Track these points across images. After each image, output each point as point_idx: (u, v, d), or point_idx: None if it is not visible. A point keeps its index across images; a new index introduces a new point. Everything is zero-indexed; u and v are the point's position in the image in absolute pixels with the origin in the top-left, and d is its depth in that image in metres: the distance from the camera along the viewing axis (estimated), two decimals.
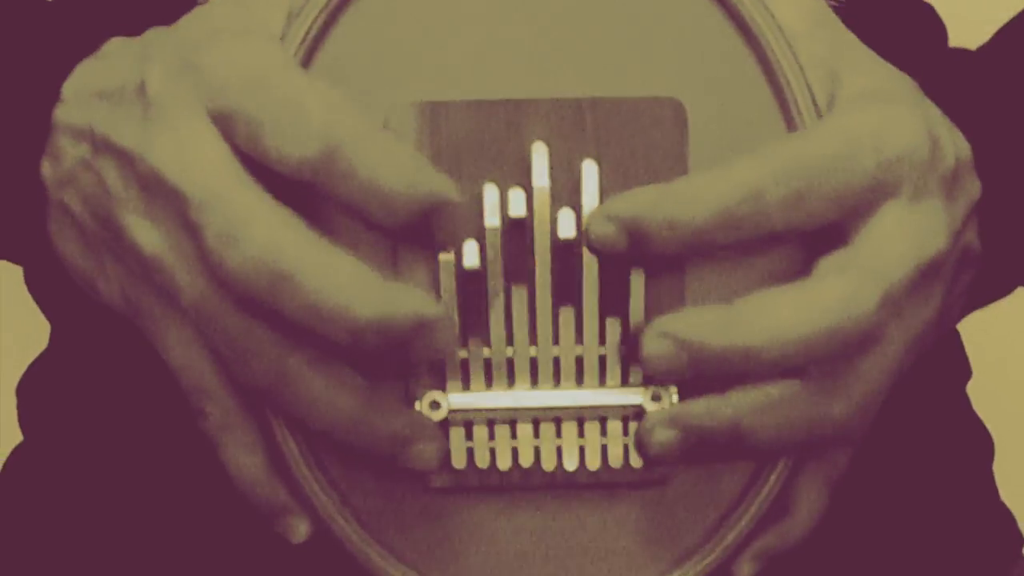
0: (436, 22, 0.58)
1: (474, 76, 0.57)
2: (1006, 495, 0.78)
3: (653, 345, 0.55)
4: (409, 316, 0.53)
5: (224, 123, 0.55)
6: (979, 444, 0.77)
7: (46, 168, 0.60)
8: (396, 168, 0.54)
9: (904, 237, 0.57)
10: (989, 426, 0.78)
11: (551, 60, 0.58)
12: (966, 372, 0.78)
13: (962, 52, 0.76)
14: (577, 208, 0.56)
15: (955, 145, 0.60)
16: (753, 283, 0.57)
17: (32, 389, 0.75)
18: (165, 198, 0.56)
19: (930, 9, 0.78)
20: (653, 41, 0.58)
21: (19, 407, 0.76)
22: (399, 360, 0.55)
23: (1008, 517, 0.77)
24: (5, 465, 0.76)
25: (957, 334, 0.77)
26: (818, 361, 0.56)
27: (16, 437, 0.76)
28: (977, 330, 0.82)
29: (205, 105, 0.55)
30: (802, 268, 0.57)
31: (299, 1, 0.58)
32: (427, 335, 0.53)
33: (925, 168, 0.58)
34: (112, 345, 0.69)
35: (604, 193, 0.56)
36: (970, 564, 0.74)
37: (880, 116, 0.57)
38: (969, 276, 0.62)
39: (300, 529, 0.59)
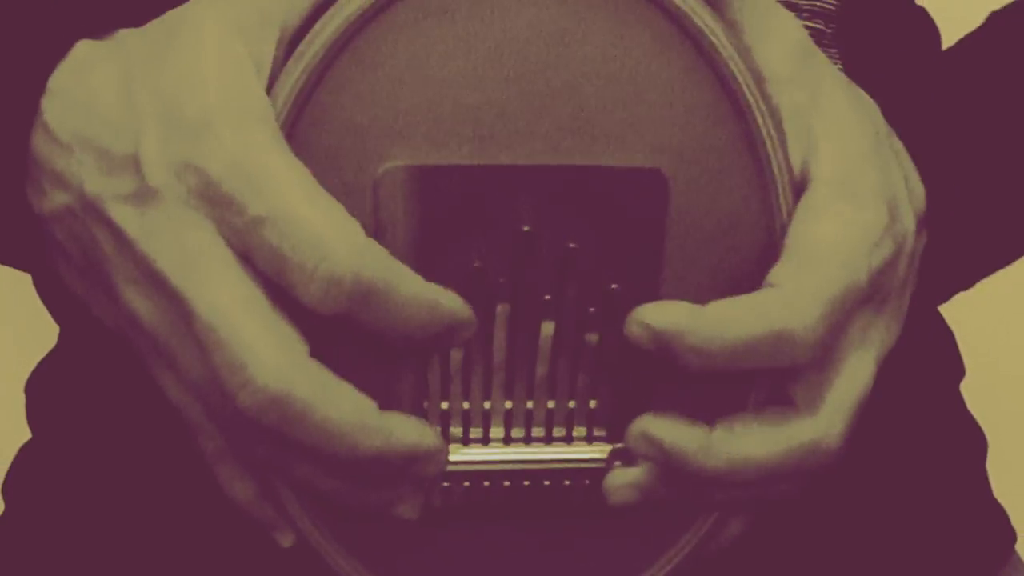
0: (426, 81, 0.57)
1: (466, 137, 0.57)
2: (999, 492, 0.79)
3: (636, 444, 0.58)
4: (406, 448, 0.55)
5: (242, 248, 0.54)
6: (972, 442, 0.78)
7: (31, 195, 0.59)
8: (423, 304, 0.55)
9: (869, 352, 0.60)
10: (983, 424, 0.79)
11: (541, 123, 0.58)
12: (960, 371, 0.78)
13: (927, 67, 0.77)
14: (560, 287, 0.57)
15: (913, 207, 0.61)
16: (724, 384, 0.59)
17: (40, 388, 0.75)
18: (168, 298, 0.55)
19: (923, 11, 0.78)
20: (638, 105, 0.58)
21: (27, 405, 0.76)
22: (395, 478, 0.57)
23: (1001, 514, 0.78)
24: (14, 461, 0.76)
25: (951, 334, 0.78)
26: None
27: (24, 434, 0.77)
28: (971, 330, 0.83)
29: (212, 216, 0.54)
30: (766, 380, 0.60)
31: (291, 22, 0.57)
32: (421, 463, 0.56)
33: (893, 275, 0.60)
34: (118, 347, 0.68)
35: (583, 263, 0.57)
36: (964, 560, 0.75)
37: (863, 228, 0.58)
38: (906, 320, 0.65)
39: (287, 540, 0.61)
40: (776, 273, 0.58)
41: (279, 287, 0.55)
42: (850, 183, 0.59)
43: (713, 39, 0.57)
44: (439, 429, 0.57)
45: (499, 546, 0.61)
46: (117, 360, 0.69)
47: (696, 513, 0.61)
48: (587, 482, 0.60)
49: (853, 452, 0.66)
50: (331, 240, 0.53)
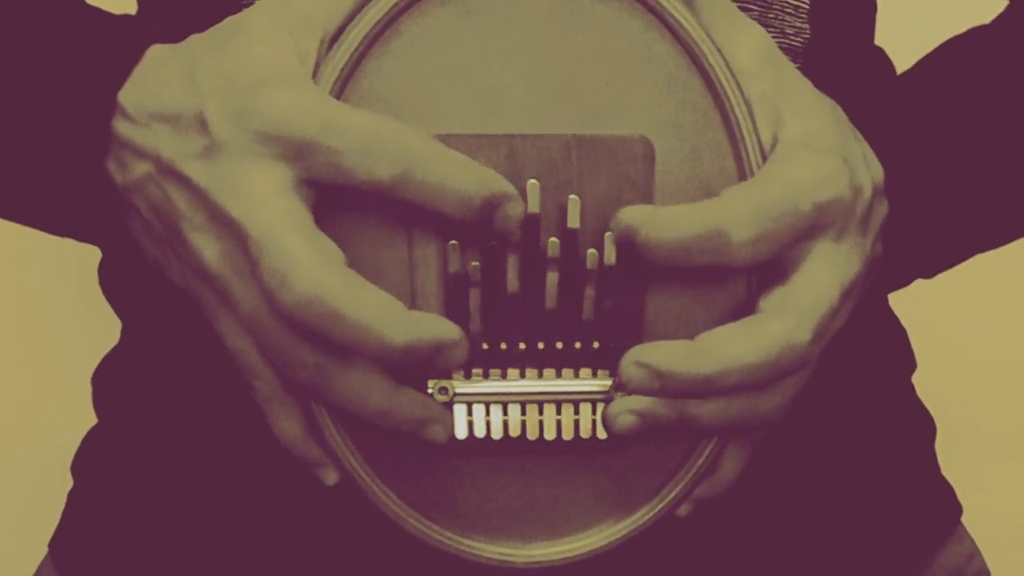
0: (447, 66, 0.60)
1: (480, 112, 0.60)
2: (947, 471, 0.80)
3: (630, 371, 0.59)
4: (432, 340, 0.57)
5: (301, 162, 0.57)
6: (922, 426, 0.79)
7: (113, 170, 0.61)
8: (462, 173, 0.57)
9: (830, 272, 0.61)
10: (932, 411, 0.80)
11: (544, 100, 0.60)
12: (912, 364, 0.79)
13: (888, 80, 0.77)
14: (562, 234, 0.60)
15: (870, 174, 0.63)
16: (705, 309, 0.62)
17: (105, 378, 0.77)
18: (229, 229, 0.58)
19: (880, 51, 0.79)
20: (628, 84, 0.61)
21: (94, 394, 0.77)
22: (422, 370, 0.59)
23: (948, 489, 0.79)
24: (82, 444, 0.77)
25: (904, 332, 0.79)
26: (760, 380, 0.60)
27: (91, 419, 0.78)
28: (922, 328, 0.84)
29: (273, 150, 0.57)
30: (744, 299, 0.62)
31: (331, 25, 0.60)
32: (445, 354, 0.57)
33: (847, 212, 0.61)
34: (174, 341, 0.71)
35: (584, 216, 0.60)
36: (915, 530, 0.76)
37: (815, 167, 0.60)
38: (872, 277, 0.65)
39: (331, 478, 0.62)
40: (726, 190, 0.60)
41: (338, 213, 0.58)
42: (810, 140, 0.61)
43: (689, 28, 0.61)
44: (459, 328, 0.58)
45: (516, 480, 0.63)
46: (172, 354, 0.71)
47: (692, 443, 0.62)
48: (593, 416, 0.61)
49: (813, 435, 0.68)
50: (377, 129, 0.57)
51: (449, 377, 0.61)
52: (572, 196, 0.59)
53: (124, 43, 0.62)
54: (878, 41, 0.79)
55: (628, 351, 0.60)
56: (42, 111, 0.62)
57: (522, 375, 0.61)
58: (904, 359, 0.79)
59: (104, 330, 0.81)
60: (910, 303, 0.80)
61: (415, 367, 0.58)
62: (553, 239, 0.60)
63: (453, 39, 0.60)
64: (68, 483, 0.78)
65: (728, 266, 0.59)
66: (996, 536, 0.87)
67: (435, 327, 0.57)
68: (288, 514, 0.69)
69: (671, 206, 0.59)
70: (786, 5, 0.70)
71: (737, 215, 0.59)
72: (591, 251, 0.60)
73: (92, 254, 0.75)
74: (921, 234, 0.69)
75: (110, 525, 0.74)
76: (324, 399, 0.59)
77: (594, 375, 0.61)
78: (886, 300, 0.78)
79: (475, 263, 0.59)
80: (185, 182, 0.59)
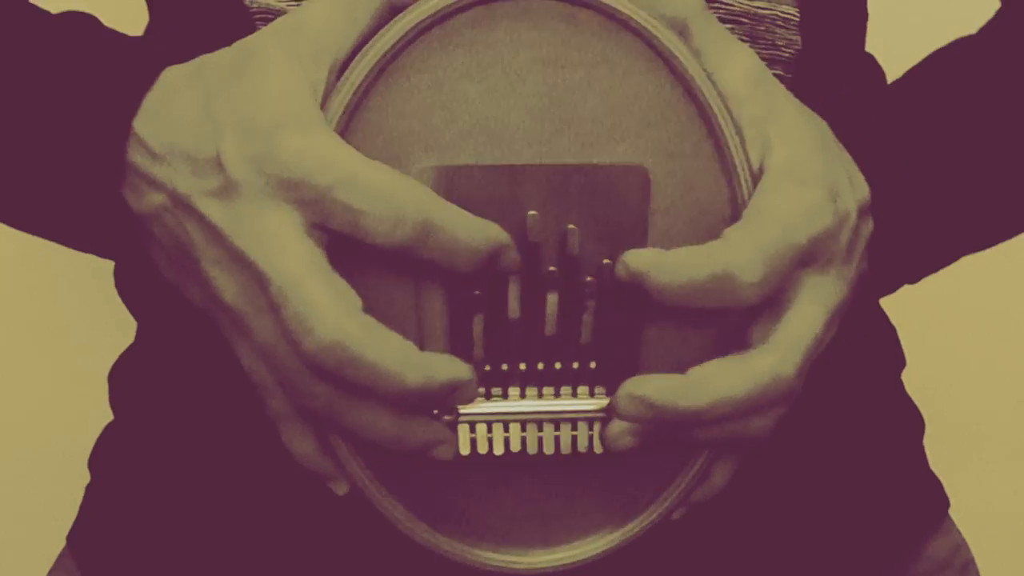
0: (450, 98, 0.60)
1: (483, 143, 0.60)
2: (935, 466, 0.80)
3: (624, 404, 0.60)
4: (445, 382, 0.58)
5: (317, 213, 0.57)
6: (911, 422, 0.79)
7: (129, 198, 0.61)
8: (472, 232, 0.58)
9: (817, 303, 0.62)
10: (921, 408, 0.80)
11: (544, 130, 0.61)
12: (901, 362, 0.80)
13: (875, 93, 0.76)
14: (561, 260, 0.61)
15: (855, 195, 0.64)
16: (700, 333, 0.62)
17: (121, 376, 0.77)
18: (247, 270, 0.58)
19: (871, 58, 0.79)
20: (624, 114, 0.61)
21: (110, 391, 0.77)
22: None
23: (936, 483, 0.79)
24: (99, 439, 0.78)
25: (894, 331, 0.79)
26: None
27: (108, 416, 0.78)
28: (911, 327, 0.84)
29: (289, 196, 0.57)
30: (737, 323, 0.62)
31: (341, 54, 0.60)
32: (458, 393, 0.58)
33: (833, 242, 0.62)
34: (188, 341, 0.71)
35: (583, 243, 0.60)
36: (904, 522, 0.77)
37: (802, 200, 0.61)
38: (857, 294, 0.66)
39: (342, 488, 0.63)
40: (728, 231, 0.60)
41: (346, 246, 0.58)
42: (797, 169, 0.62)
43: (682, 59, 0.61)
44: (470, 366, 0.59)
45: (518, 492, 0.64)
46: (186, 352, 0.71)
47: (685, 457, 0.63)
48: (590, 432, 0.62)
49: (805, 431, 0.69)
50: (397, 189, 0.57)
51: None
52: (571, 225, 0.60)
53: (137, 67, 0.62)
54: (869, 47, 0.80)
55: (622, 384, 0.60)
56: (57, 137, 0.62)
57: (523, 395, 0.62)
58: (893, 357, 0.79)
59: (120, 329, 0.81)
60: (900, 303, 0.79)
61: (427, 405, 0.59)
62: (552, 268, 0.61)
63: (457, 72, 0.60)
64: (85, 478, 0.78)
65: (736, 306, 0.60)
66: (982, 528, 0.87)
67: (448, 369, 0.58)
68: (300, 512, 0.69)
69: (678, 250, 0.60)
70: (776, 18, 0.70)
71: (744, 257, 0.59)
72: (589, 279, 0.61)
73: None
74: (908, 244, 0.69)
75: (126, 518, 0.74)
76: (335, 427, 0.60)
77: (591, 394, 0.62)
78: (876, 300, 0.78)
79: (477, 292, 0.60)
80: (200, 219, 0.59)
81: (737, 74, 0.62)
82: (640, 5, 0.61)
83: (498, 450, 0.62)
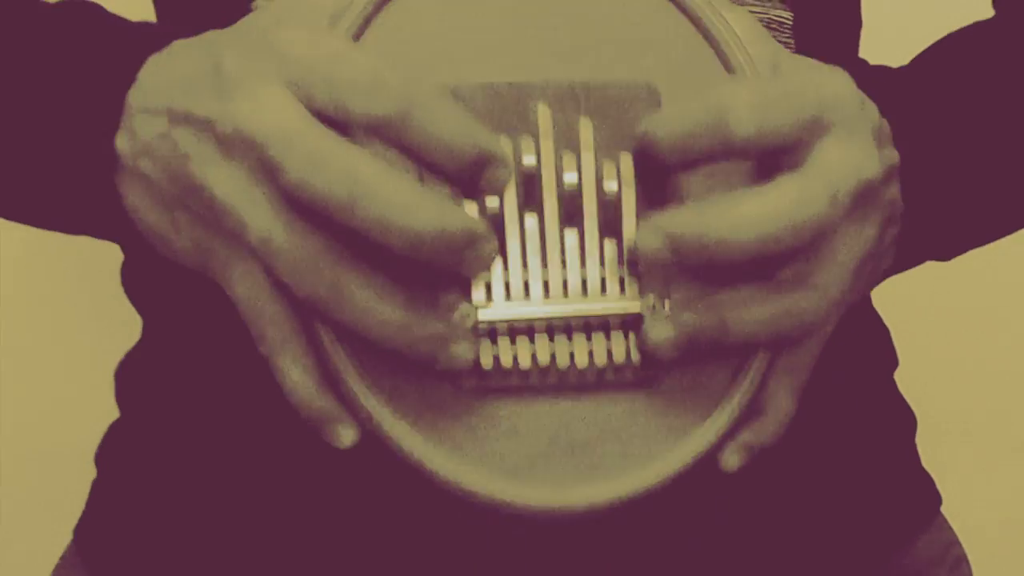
0: (454, 22, 0.60)
1: (489, 63, 0.60)
2: (927, 463, 0.80)
3: (645, 238, 0.56)
4: (463, 229, 0.55)
5: (303, 88, 0.56)
6: (903, 421, 0.79)
7: (121, 142, 0.60)
8: (457, 126, 0.56)
9: (845, 159, 0.58)
10: (913, 406, 0.80)
11: (551, 51, 0.60)
12: (894, 362, 0.80)
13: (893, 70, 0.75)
14: (577, 156, 0.58)
15: (884, 152, 0.61)
16: None
17: (127, 373, 0.77)
18: (242, 148, 0.56)
19: (863, 63, 0.76)
20: (632, 37, 0.61)
21: (116, 388, 0.77)
22: (449, 268, 0.56)
23: (928, 480, 0.79)
24: (105, 436, 0.78)
25: (887, 331, 0.79)
26: (781, 255, 0.57)
27: (114, 413, 0.78)
28: (904, 328, 0.84)
29: (280, 76, 0.56)
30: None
31: (339, 8, 0.59)
32: (476, 246, 0.55)
33: (856, 113, 0.59)
34: (193, 339, 0.71)
35: (597, 151, 0.58)
36: (896, 518, 0.77)
37: (818, 73, 0.59)
38: (896, 230, 0.63)
39: (347, 436, 0.58)
40: (728, 80, 0.60)
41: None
42: (812, 62, 0.61)
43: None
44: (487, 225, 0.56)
45: (548, 421, 0.59)
46: (192, 351, 0.72)
47: (736, 370, 0.59)
48: (625, 340, 0.58)
49: (800, 429, 0.66)
50: (383, 73, 0.56)
51: (471, 299, 0.57)
52: (584, 119, 0.59)
53: (147, 35, 0.63)
54: (862, 54, 0.79)
55: (638, 228, 0.57)
56: (60, 93, 0.62)
57: (547, 296, 0.58)
58: (887, 357, 0.80)
59: (126, 328, 0.81)
60: (893, 304, 0.79)
61: (443, 259, 0.55)
62: (569, 156, 0.58)
63: None
64: (92, 473, 0.78)
65: (731, 148, 0.57)
66: (974, 525, 0.86)
67: (465, 218, 0.55)
68: (307, 509, 0.69)
69: (673, 105, 0.59)
70: (771, 22, 0.70)
71: (737, 96, 0.57)
72: (608, 167, 0.58)
73: (115, 255, 0.75)
74: (934, 215, 0.67)
75: (131, 513, 0.74)
76: (339, 317, 0.56)
77: (622, 293, 0.58)
78: (869, 301, 0.78)
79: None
80: (196, 122, 0.57)
81: (743, 23, 0.62)
82: None
83: (524, 363, 0.58)
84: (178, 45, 0.61)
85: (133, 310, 0.77)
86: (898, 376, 0.81)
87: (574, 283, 0.58)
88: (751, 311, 0.58)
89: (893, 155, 0.62)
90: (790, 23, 0.71)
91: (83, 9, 0.65)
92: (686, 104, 0.58)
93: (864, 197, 0.59)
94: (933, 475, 0.80)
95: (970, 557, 0.81)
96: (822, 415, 0.73)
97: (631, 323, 0.58)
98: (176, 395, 0.73)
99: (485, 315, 0.57)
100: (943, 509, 0.80)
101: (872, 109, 0.61)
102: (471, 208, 0.58)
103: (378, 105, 0.56)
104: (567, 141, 0.59)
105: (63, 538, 0.79)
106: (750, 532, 0.72)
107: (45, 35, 0.63)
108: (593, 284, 0.58)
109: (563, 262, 0.58)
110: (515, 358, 0.58)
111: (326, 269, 0.56)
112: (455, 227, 0.55)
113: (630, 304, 0.58)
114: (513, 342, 0.58)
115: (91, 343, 1.22)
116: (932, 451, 0.83)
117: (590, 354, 0.58)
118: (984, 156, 0.69)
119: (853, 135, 0.59)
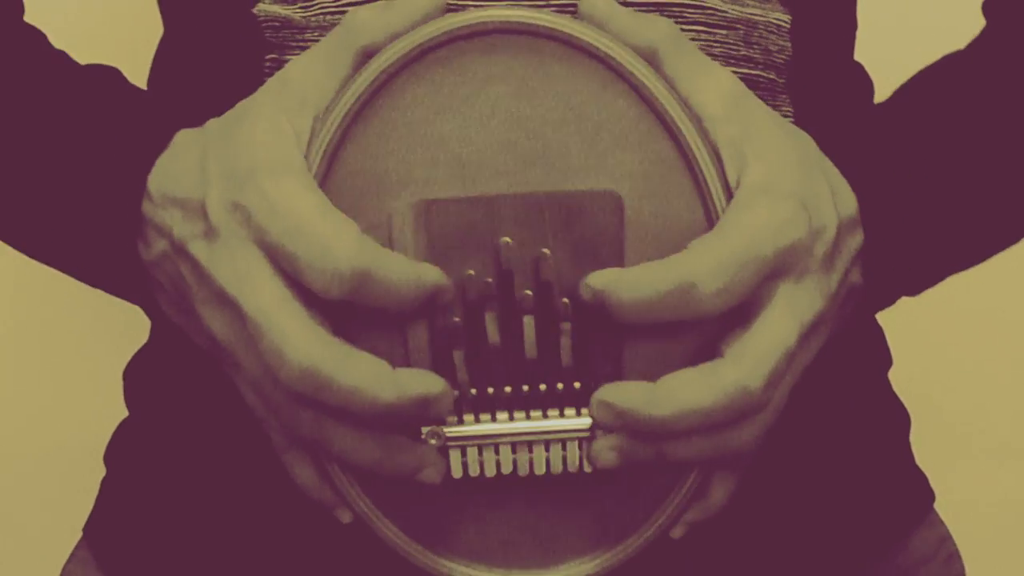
0: (424, 136, 0.61)
1: (459, 177, 0.61)
2: (920, 461, 0.80)
3: (596, 410, 0.60)
4: (417, 396, 0.58)
5: (270, 254, 0.59)
6: (897, 419, 0.79)
7: (141, 250, 0.63)
8: (408, 276, 0.58)
9: (789, 315, 0.60)
10: (907, 405, 0.80)
11: (518, 161, 0.61)
12: (888, 361, 0.80)
13: (869, 108, 0.76)
14: (535, 288, 0.60)
15: (838, 210, 0.63)
16: (679, 346, 0.61)
17: (135, 374, 0.78)
18: (229, 306, 0.60)
19: (859, 67, 0.79)
20: (595, 141, 0.61)
21: (125, 389, 0.78)
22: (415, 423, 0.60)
23: (922, 478, 0.80)
24: (114, 435, 0.78)
25: (881, 331, 0.79)
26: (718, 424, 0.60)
27: (123, 412, 0.79)
28: (897, 328, 0.83)
29: (253, 239, 0.58)
30: (714, 334, 0.61)
31: (323, 103, 0.61)
32: (432, 407, 0.59)
33: (806, 254, 0.61)
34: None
35: (559, 269, 0.60)
36: (891, 515, 0.77)
37: (772, 214, 0.60)
38: (852, 304, 0.66)
39: (345, 516, 0.64)
40: (692, 243, 0.60)
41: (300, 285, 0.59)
42: (770, 186, 0.61)
43: (647, 83, 0.61)
44: (442, 379, 0.59)
45: (513, 513, 0.64)
46: (198, 352, 0.68)
47: (677, 476, 0.63)
48: (580, 452, 0.62)
49: (795, 428, 0.69)
50: (334, 243, 0.57)
51: (441, 423, 0.61)
52: (545, 250, 0.60)
53: (153, 129, 0.64)
54: (858, 57, 0.79)
55: (594, 393, 0.60)
56: (79, 195, 0.64)
57: (510, 416, 0.62)
58: (881, 356, 0.80)
59: (134, 329, 0.82)
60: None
61: (404, 421, 0.59)
62: (527, 292, 0.60)
63: (429, 110, 0.61)
64: (101, 471, 0.78)
65: (698, 318, 0.59)
66: (966, 521, 0.87)
67: (419, 383, 0.58)
68: (309, 507, 0.68)
69: (637, 266, 0.59)
70: (769, 24, 0.70)
71: (703, 268, 0.59)
72: (565, 300, 0.60)
73: None
74: (903, 256, 0.68)
75: (140, 510, 0.74)
76: (324, 452, 0.61)
77: (578, 414, 0.62)
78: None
79: (456, 319, 0.60)
80: (191, 261, 0.61)
81: (712, 96, 0.62)
82: (609, 36, 0.61)
83: (489, 472, 0.62)
84: (181, 141, 0.63)
85: (141, 312, 0.76)
86: (892, 375, 0.80)
87: (533, 403, 0.62)
88: (684, 445, 0.61)
89: (853, 246, 0.64)
90: (788, 26, 0.71)
91: (100, 80, 0.66)
92: (651, 273, 0.59)
93: (806, 338, 0.62)
94: (927, 472, 0.80)
95: (962, 552, 0.81)
96: (818, 414, 0.73)
97: (583, 435, 0.62)
98: (182, 395, 0.73)
99: (454, 434, 0.62)
100: (936, 506, 0.81)
101: (826, 232, 0.62)
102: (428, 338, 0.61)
103: (335, 288, 0.58)
104: (530, 259, 0.60)
105: (74, 534, 0.80)
106: (746, 529, 0.72)
107: (69, 111, 0.65)
108: (552, 400, 0.62)
109: (524, 384, 0.62)
110: (482, 467, 0.62)
111: (307, 417, 0.60)
112: (412, 396, 0.58)
113: (581, 423, 0.62)
114: (481, 453, 0.62)
115: (100, 345, 1.23)
116: (926, 449, 0.83)
117: (547, 463, 0.62)
118: (957, 192, 0.69)
119: (801, 278, 0.62)
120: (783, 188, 0.61)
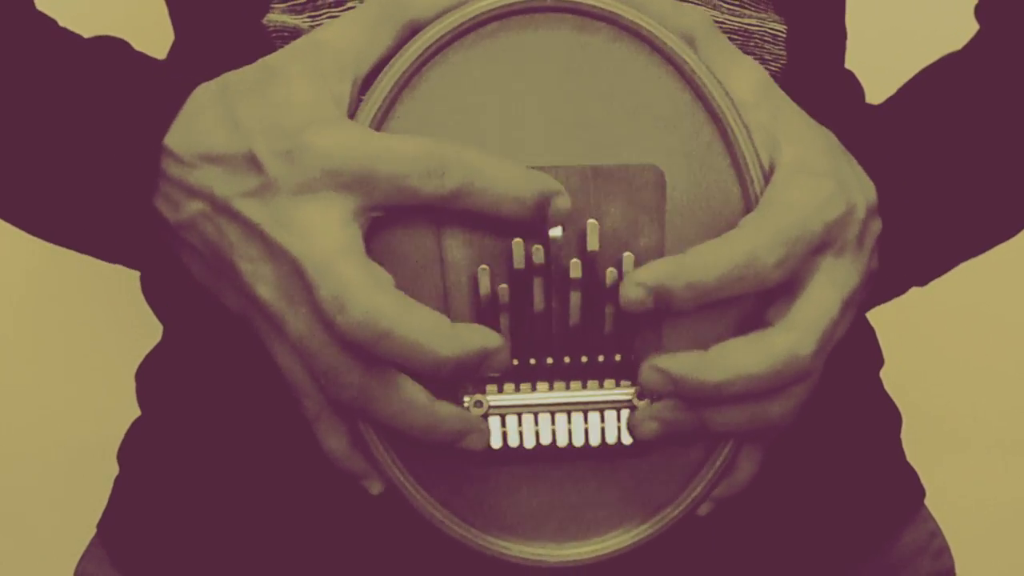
0: (471, 107, 0.61)
1: (504, 149, 0.61)
2: (911, 458, 0.81)
3: (648, 375, 0.60)
4: (478, 350, 0.58)
5: (362, 189, 0.58)
6: (889, 417, 0.80)
7: (164, 209, 0.62)
8: (518, 176, 0.58)
9: (832, 286, 0.62)
10: (898, 404, 0.81)
11: (563, 134, 0.61)
12: (879, 361, 0.80)
13: (873, 107, 0.77)
14: (583, 257, 0.60)
15: (864, 194, 0.64)
16: (717, 320, 0.62)
17: (148, 374, 0.77)
18: (284, 261, 0.58)
19: (850, 74, 0.79)
20: (638, 117, 0.61)
21: (138, 388, 0.78)
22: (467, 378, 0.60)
23: (913, 474, 0.80)
24: (127, 434, 0.78)
25: (873, 331, 0.80)
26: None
27: (136, 412, 0.78)
28: (889, 328, 0.84)
29: (329, 184, 0.58)
30: (751, 310, 0.62)
31: (361, 70, 0.60)
32: (490, 361, 0.59)
33: (846, 229, 0.62)
34: (213, 341, 0.72)
35: (602, 241, 0.61)
36: (882, 511, 0.77)
37: (815, 190, 0.61)
38: (868, 290, 0.67)
39: (375, 487, 0.63)
40: (744, 220, 0.61)
41: (380, 247, 0.58)
42: (807, 164, 0.62)
43: (691, 63, 0.62)
44: (499, 334, 0.59)
45: (548, 485, 0.63)
46: (210, 353, 0.72)
47: (710, 449, 0.63)
48: (618, 423, 0.62)
49: (793, 427, 0.68)
50: (432, 147, 0.58)
51: (484, 391, 0.62)
52: (591, 220, 0.60)
53: (168, 88, 0.62)
54: (848, 65, 0.80)
55: (647, 359, 0.60)
56: (92, 153, 0.62)
57: (550, 387, 0.62)
58: (872, 356, 0.80)
59: (146, 330, 0.81)
60: (879, 306, 0.79)
61: (462, 376, 0.59)
62: (575, 260, 0.60)
63: (476, 83, 0.61)
64: (115, 470, 0.78)
65: (760, 290, 0.60)
66: (956, 516, 0.87)
67: (479, 337, 0.58)
68: (327, 506, 0.69)
69: (691, 252, 0.60)
70: (765, 34, 0.71)
71: (764, 240, 0.60)
72: (610, 270, 0.61)
73: None
74: (913, 245, 0.69)
75: (153, 508, 0.74)
76: (368, 417, 0.60)
77: (617, 385, 0.62)
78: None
79: (504, 285, 0.60)
80: (239, 219, 0.59)
81: (744, 83, 0.63)
82: (650, 19, 0.62)
83: (528, 442, 0.62)
84: (199, 99, 0.61)
85: (152, 314, 0.77)
86: (884, 374, 0.81)
87: (575, 373, 0.62)
88: (726, 414, 0.61)
89: (875, 230, 0.65)
90: (784, 35, 0.71)
91: (109, 49, 0.65)
92: (714, 253, 0.59)
93: (844, 312, 0.63)
94: (917, 469, 0.81)
95: (952, 547, 0.82)
96: (810, 413, 0.71)
97: (622, 407, 0.62)
98: (194, 395, 0.73)
99: (497, 402, 0.62)
100: (926, 502, 0.81)
101: (858, 210, 0.63)
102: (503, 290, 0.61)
103: (444, 183, 0.58)
104: (577, 231, 0.61)
105: (88, 531, 0.80)
106: (739, 527, 0.72)
107: (77, 76, 0.64)
108: (592, 371, 0.62)
109: (567, 353, 0.62)
110: (521, 437, 0.62)
111: (355, 378, 0.59)
112: (471, 350, 0.58)
113: (622, 393, 0.62)
114: (520, 422, 0.62)
115: (113, 345, 1.23)
116: (916, 446, 0.83)
117: (585, 433, 0.62)
118: (962, 184, 0.71)
119: (840, 253, 0.63)
120: (819, 167, 0.62)
